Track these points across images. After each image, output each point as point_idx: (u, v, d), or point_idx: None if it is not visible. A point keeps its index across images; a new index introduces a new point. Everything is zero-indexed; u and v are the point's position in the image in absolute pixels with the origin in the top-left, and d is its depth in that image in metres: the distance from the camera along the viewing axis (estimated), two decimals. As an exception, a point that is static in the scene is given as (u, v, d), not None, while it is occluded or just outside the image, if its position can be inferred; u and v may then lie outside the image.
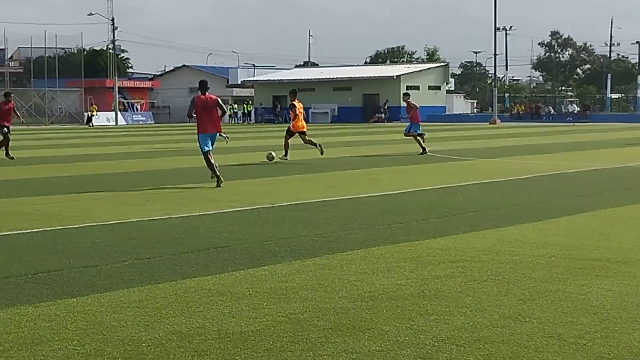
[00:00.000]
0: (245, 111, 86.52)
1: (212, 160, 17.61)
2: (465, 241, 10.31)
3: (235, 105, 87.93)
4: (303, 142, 25.74)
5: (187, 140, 40.92)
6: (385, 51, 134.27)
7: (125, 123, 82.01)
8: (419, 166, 23.51)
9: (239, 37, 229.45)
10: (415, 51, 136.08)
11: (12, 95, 30.03)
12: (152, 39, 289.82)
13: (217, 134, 18.07)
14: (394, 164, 24.29)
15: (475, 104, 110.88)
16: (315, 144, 25.29)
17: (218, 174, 17.52)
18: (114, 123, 79.44)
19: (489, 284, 7.93)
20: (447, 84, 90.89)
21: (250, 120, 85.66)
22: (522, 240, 10.34)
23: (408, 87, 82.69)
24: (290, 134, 25.14)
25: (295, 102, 25.31)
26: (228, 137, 19.58)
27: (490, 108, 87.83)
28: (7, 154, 27.25)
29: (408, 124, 29.60)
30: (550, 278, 8.14)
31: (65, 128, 69.85)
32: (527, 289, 7.69)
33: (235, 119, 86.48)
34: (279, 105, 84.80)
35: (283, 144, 25.17)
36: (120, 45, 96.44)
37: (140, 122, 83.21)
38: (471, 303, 7.17)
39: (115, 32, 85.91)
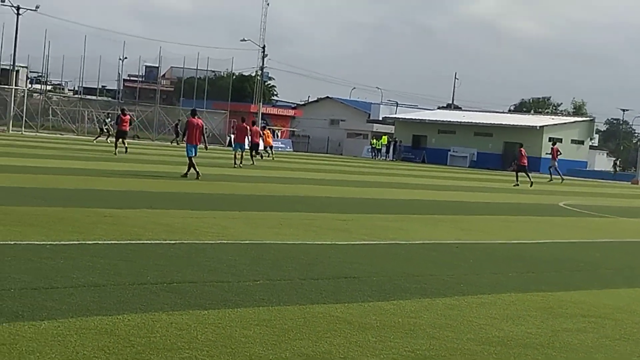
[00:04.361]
0: (378, 147, 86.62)
1: (194, 163, 26.56)
2: (599, 297, 10.07)
3: (374, 141, 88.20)
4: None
5: (326, 170, 41.31)
6: (531, 100, 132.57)
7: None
8: (556, 218, 23.07)
9: (385, 73, 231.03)
10: (562, 103, 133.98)
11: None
12: (299, 68, 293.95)
13: (197, 146, 27.13)
14: (529, 213, 23.90)
15: (618, 162, 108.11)
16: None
17: (197, 171, 26.31)
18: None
19: (622, 342, 7.73)
20: (590, 139, 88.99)
21: (388, 157, 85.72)
22: (659, 303, 10.03)
23: (550, 139, 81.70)
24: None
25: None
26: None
27: (633, 168, 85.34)
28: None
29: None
30: (686, 344, 7.87)
31: (210, 148, 71.06)
32: (661, 352, 7.46)
33: (373, 153, 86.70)
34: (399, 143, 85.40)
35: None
36: (268, 73, 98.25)
37: (279, 150, 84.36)
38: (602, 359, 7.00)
39: (265, 59, 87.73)
